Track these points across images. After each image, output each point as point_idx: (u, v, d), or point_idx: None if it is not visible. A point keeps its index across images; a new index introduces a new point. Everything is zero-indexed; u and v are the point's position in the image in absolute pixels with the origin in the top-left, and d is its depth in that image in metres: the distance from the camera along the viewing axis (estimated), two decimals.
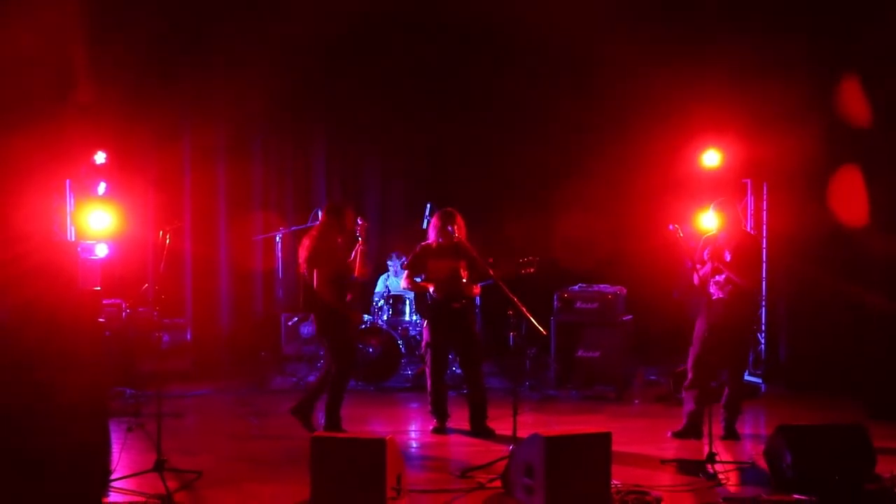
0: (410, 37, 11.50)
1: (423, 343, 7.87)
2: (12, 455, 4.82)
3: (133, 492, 5.76)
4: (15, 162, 5.48)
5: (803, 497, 5.61)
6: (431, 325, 7.77)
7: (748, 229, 7.70)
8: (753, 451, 6.89)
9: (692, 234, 7.65)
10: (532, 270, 7.47)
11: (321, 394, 7.60)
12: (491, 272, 7.19)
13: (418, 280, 7.84)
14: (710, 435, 6.45)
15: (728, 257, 7.26)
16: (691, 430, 7.32)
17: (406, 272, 7.93)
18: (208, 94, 11.48)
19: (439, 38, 11.45)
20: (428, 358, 7.78)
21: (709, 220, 7.62)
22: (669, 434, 7.55)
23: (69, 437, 5.03)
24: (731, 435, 7.43)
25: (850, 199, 9.62)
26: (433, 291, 7.66)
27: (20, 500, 4.81)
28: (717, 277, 7.26)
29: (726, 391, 7.49)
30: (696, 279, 7.40)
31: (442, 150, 11.80)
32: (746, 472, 6.38)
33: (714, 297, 7.28)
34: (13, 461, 4.81)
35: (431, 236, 7.82)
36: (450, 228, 7.64)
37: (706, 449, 6.34)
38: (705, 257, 7.30)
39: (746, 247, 7.43)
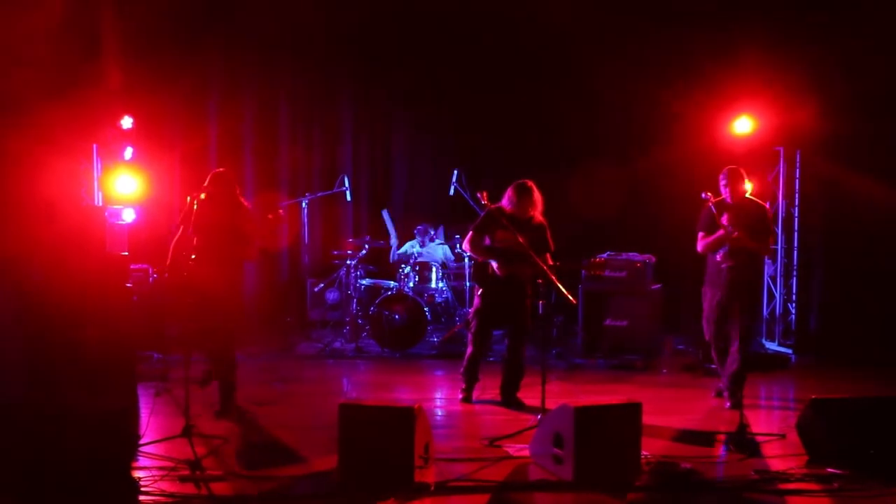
0: (439, 7, 11.33)
1: (473, 309, 7.65)
2: (44, 419, 4.82)
3: (162, 457, 5.76)
4: (42, 127, 5.45)
5: (837, 471, 5.53)
6: (485, 295, 7.49)
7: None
8: (784, 423, 6.81)
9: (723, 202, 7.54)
10: (600, 273, 7.38)
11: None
12: (550, 261, 7.07)
13: (485, 242, 7.41)
14: (742, 406, 6.40)
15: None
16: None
17: (471, 233, 7.45)
18: (236, 61, 11.49)
19: (467, 8, 11.28)
20: (474, 324, 7.54)
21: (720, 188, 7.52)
22: (713, 393, 7.78)
23: (98, 401, 5.03)
24: (736, 405, 7.26)
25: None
26: (497, 268, 7.31)
27: (52, 462, 4.82)
28: (727, 246, 7.23)
29: (734, 363, 7.35)
30: (700, 247, 7.47)
31: (470, 120, 11.67)
32: (778, 445, 6.29)
33: (723, 266, 7.27)
34: (45, 426, 4.82)
35: (506, 204, 7.36)
36: (526, 202, 7.30)
37: (738, 420, 6.28)
38: (723, 223, 7.21)
39: (758, 214, 7.39)
